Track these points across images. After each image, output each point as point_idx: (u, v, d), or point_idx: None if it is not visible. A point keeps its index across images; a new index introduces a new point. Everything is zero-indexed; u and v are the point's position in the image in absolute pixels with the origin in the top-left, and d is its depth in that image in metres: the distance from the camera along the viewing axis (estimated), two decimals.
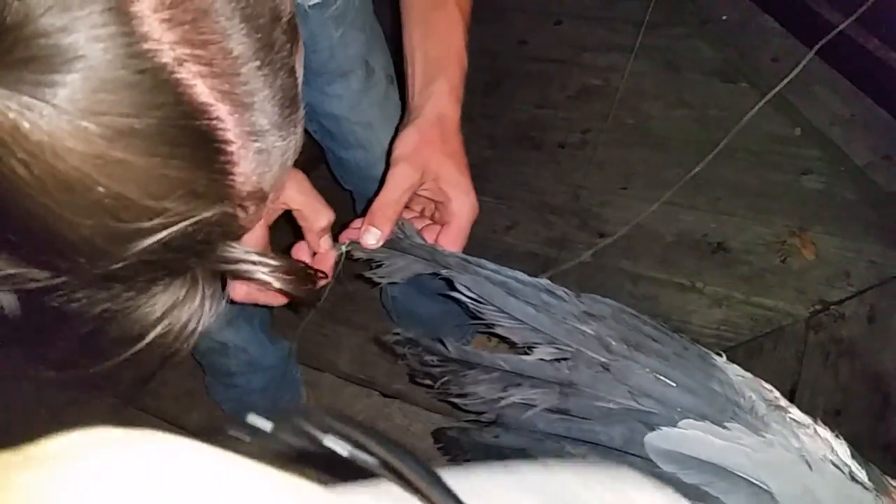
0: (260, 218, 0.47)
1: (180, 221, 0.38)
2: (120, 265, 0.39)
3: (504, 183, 1.94)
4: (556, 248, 1.78)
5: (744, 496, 0.55)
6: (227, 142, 0.39)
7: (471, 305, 0.68)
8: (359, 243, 0.73)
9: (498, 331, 0.67)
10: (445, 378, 0.72)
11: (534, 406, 0.65)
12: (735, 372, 0.61)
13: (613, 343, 0.61)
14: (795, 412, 0.58)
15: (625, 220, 1.80)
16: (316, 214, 0.70)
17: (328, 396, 1.63)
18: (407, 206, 0.76)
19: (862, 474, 0.55)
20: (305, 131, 1.18)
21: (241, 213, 0.43)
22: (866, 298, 1.57)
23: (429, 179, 0.74)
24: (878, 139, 1.77)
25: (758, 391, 0.59)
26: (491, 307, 0.66)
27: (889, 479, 0.57)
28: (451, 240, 0.74)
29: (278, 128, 0.43)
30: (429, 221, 0.81)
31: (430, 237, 0.77)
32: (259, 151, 0.41)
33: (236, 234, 0.45)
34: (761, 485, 0.55)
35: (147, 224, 0.37)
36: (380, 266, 0.75)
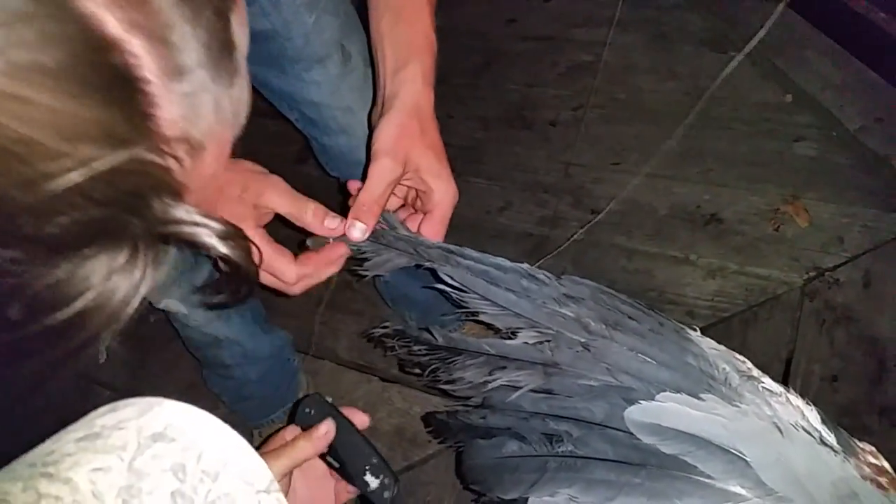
0: (203, 177, 0.45)
1: (100, 166, 0.35)
2: (48, 224, 0.36)
3: (496, 164, 1.94)
4: (549, 227, 1.79)
5: (720, 464, 0.57)
6: (144, 80, 0.37)
7: (454, 295, 0.70)
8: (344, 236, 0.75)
9: (482, 318, 0.69)
10: (434, 366, 0.75)
11: (520, 388, 0.67)
12: (709, 345, 0.62)
13: (592, 324, 0.63)
14: (768, 381, 0.59)
15: (618, 196, 1.80)
16: (301, 210, 0.73)
17: (328, 383, 1.65)
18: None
19: (831, 438, 0.56)
20: (289, 122, 1.19)
21: (171, 164, 0.40)
22: (861, 263, 1.58)
23: (410, 170, 0.76)
24: (870, 102, 1.76)
25: (731, 363, 0.60)
26: (474, 295, 0.69)
27: (856, 441, 0.58)
28: (434, 228, 0.77)
29: (206, 70, 0.40)
30: (412, 210, 0.83)
31: (412, 226, 0.79)
32: (185, 94, 0.39)
33: (172, 188, 0.41)
34: (737, 452, 0.56)
35: (63, 168, 0.34)
36: (364, 260, 0.77)
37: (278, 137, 2.04)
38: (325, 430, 0.76)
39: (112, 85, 0.35)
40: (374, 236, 0.75)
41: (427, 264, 0.72)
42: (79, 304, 0.38)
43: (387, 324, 0.80)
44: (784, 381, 1.45)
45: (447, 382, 0.74)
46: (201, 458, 0.35)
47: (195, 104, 0.40)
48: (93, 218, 0.37)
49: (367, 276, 0.78)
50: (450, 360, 0.73)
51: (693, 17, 2.08)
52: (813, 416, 0.58)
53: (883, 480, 0.57)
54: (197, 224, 0.43)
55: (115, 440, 0.34)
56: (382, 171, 0.74)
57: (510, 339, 0.68)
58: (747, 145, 1.80)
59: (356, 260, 0.78)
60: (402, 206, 0.84)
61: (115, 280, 0.39)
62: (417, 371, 0.78)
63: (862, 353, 1.47)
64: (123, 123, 0.36)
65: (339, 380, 1.65)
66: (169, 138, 0.39)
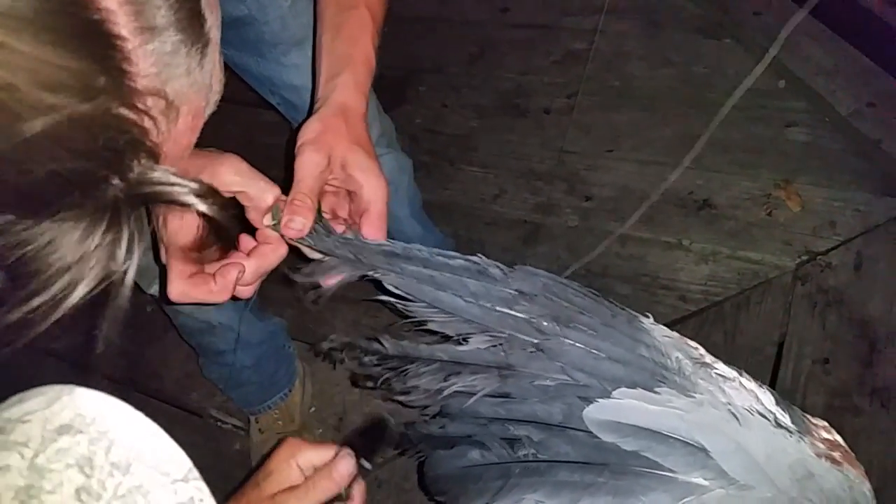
0: (177, 145, 0.46)
1: (77, 115, 0.37)
2: (29, 173, 0.37)
3: (490, 152, 1.95)
4: (543, 214, 1.80)
5: (681, 457, 0.58)
6: (118, 36, 0.39)
7: (399, 306, 0.68)
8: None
9: (431, 326, 0.67)
10: (386, 376, 0.73)
11: (476, 392, 0.67)
12: (661, 333, 0.63)
13: (544, 323, 0.62)
14: (721, 367, 0.60)
15: (611, 183, 1.81)
16: (261, 193, 0.70)
17: (324, 371, 1.67)
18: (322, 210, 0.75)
19: (786, 419, 0.57)
20: (273, 107, 1.20)
21: (147, 123, 0.42)
22: (853, 247, 1.59)
23: (336, 167, 0.73)
24: (862, 87, 1.77)
25: (683, 350, 0.61)
26: (421, 304, 0.67)
27: (809, 417, 0.59)
28: (373, 227, 0.73)
29: (177, 32, 0.42)
30: (351, 222, 0.78)
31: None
32: (157, 52, 0.41)
33: (149, 149, 0.43)
34: (696, 444, 0.58)
35: (40, 115, 0.35)
36: (310, 271, 0.73)
37: (273, 128, 2.05)
38: (346, 470, 0.74)
39: (88, 37, 0.37)
40: (312, 241, 0.71)
41: (370, 274, 0.68)
42: (65, 271, 0.39)
43: (333, 337, 0.77)
44: (776, 364, 1.47)
45: (402, 392, 0.72)
46: (111, 450, 0.34)
47: (167, 63, 0.42)
48: (72, 169, 0.38)
49: (312, 284, 0.73)
50: (402, 369, 0.71)
51: (686, 3, 2.08)
52: (767, 398, 0.60)
53: (836, 455, 0.58)
54: (174, 184, 0.44)
55: (17, 435, 0.33)
56: (307, 162, 0.71)
57: (462, 344, 0.67)
58: (740, 131, 1.81)
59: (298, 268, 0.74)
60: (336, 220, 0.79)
61: (100, 250, 0.40)
62: (370, 384, 0.75)
63: (853, 335, 1.48)
64: (99, 74, 0.37)
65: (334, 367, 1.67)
66: (144, 93, 0.41)
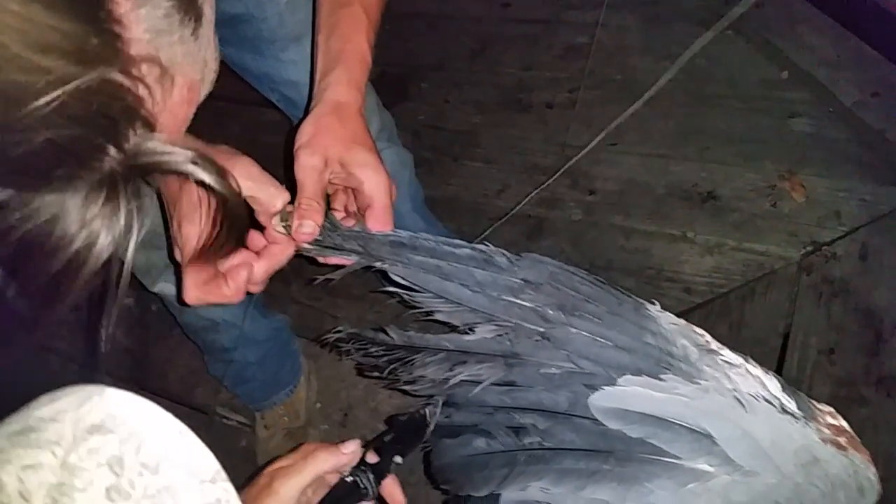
0: (173, 117, 0.46)
1: (71, 80, 0.36)
2: (24, 141, 0.36)
3: (493, 147, 1.95)
4: (547, 208, 1.80)
5: (686, 443, 0.58)
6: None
7: (405, 297, 0.68)
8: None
9: (437, 317, 0.68)
10: (393, 366, 0.74)
11: (482, 381, 0.67)
12: (668, 320, 0.63)
13: (550, 312, 0.63)
14: (727, 353, 0.60)
15: (615, 177, 1.81)
16: (270, 198, 0.70)
17: (329, 367, 1.67)
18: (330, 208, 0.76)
19: (791, 404, 0.57)
20: (276, 106, 1.20)
21: (142, 92, 0.42)
22: (858, 237, 1.58)
23: (335, 166, 0.74)
24: (866, 77, 1.76)
25: (690, 337, 0.61)
26: (427, 294, 0.67)
27: (814, 403, 0.59)
28: (379, 221, 0.74)
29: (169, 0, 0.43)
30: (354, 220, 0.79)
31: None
32: (150, 17, 0.42)
33: (144, 119, 0.42)
34: (701, 431, 0.58)
35: (35, 80, 0.35)
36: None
37: (276, 126, 2.05)
38: (349, 448, 0.74)
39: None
40: (321, 240, 0.72)
41: (377, 265, 0.69)
42: (66, 248, 0.38)
43: (340, 328, 0.78)
44: (782, 355, 1.46)
45: (408, 382, 0.73)
46: (140, 450, 0.34)
47: (160, 29, 0.43)
48: (68, 137, 0.37)
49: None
50: (408, 358, 0.72)
51: None
52: (773, 384, 0.60)
53: (842, 440, 0.58)
54: (171, 153, 0.44)
55: (49, 434, 0.33)
56: (304, 165, 0.72)
57: (468, 333, 0.67)
58: (743, 122, 1.80)
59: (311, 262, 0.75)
60: (344, 217, 0.81)
61: (98, 223, 0.39)
62: (377, 374, 0.77)
63: (859, 325, 1.48)
64: (92, 37, 0.37)
65: (339, 364, 1.67)
66: (137, 59, 0.41)
